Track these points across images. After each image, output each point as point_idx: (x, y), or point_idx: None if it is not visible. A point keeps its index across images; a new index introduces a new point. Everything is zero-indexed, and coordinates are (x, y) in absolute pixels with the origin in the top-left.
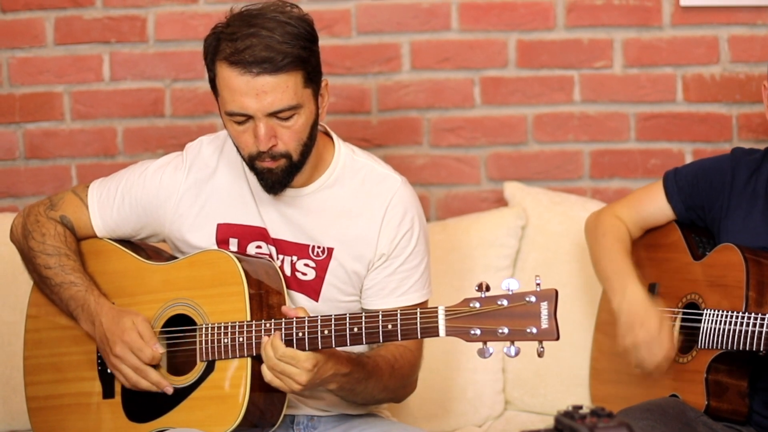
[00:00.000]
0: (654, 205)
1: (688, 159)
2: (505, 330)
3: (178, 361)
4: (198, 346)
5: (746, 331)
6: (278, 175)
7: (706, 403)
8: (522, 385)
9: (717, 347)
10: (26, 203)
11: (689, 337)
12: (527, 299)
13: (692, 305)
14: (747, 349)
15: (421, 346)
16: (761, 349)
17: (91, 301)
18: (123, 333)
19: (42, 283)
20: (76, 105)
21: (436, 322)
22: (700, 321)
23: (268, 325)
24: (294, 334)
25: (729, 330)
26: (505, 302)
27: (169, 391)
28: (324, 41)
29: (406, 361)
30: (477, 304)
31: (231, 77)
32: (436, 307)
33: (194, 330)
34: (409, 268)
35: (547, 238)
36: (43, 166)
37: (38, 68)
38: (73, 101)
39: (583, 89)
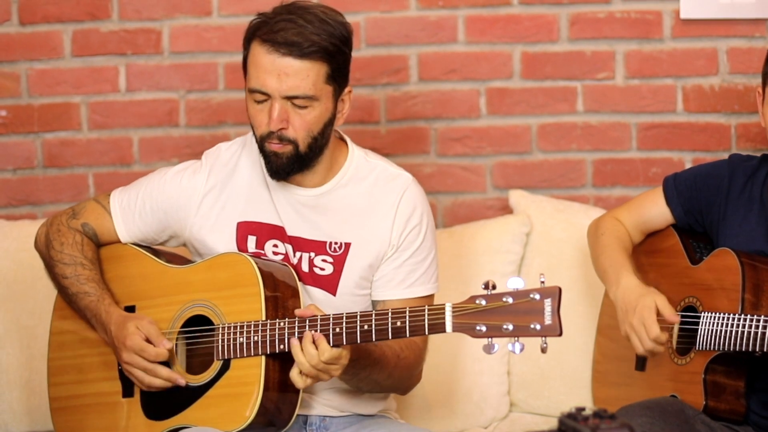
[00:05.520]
0: (654, 209)
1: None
2: (510, 326)
3: (196, 360)
4: (214, 345)
5: (743, 333)
6: (283, 161)
7: (704, 403)
8: (526, 387)
9: (714, 349)
10: (44, 211)
11: (687, 339)
12: (531, 296)
13: (690, 308)
14: (744, 350)
15: (426, 339)
16: (757, 350)
17: (102, 310)
18: (125, 338)
19: (61, 292)
20: (93, 115)
21: (443, 318)
22: (698, 323)
23: (282, 324)
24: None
25: (726, 332)
26: (510, 299)
27: (182, 383)
28: None
29: (411, 352)
30: (483, 302)
31: (259, 54)
32: (443, 304)
33: (211, 330)
34: (416, 261)
35: (550, 245)
36: (61, 174)
37: (56, 79)
38: (90, 111)
39: (586, 100)
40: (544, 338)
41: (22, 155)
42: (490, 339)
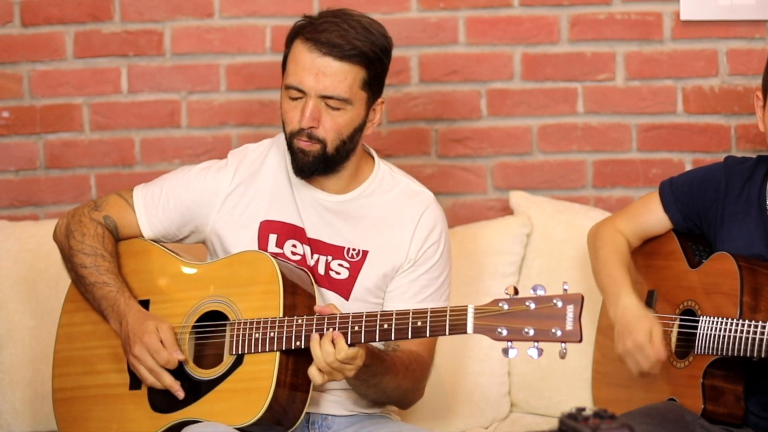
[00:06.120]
0: (652, 216)
1: (688, 168)
2: (531, 331)
3: (208, 354)
4: (229, 340)
5: (741, 338)
6: (309, 159)
7: (703, 406)
8: (527, 387)
9: (713, 353)
10: (46, 212)
11: (686, 342)
12: (554, 302)
13: (689, 312)
14: (742, 355)
15: (432, 355)
16: (755, 355)
17: (121, 302)
18: (144, 334)
19: (78, 281)
20: (94, 116)
21: (465, 319)
22: (696, 327)
23: (300, 321)
24: (324, 329)
25: (724, 336)
26: (532, 305)
27: (180, 396)
28: None
29: (418, 365)
30: (505, 305)
31: (300, 51)
32: (466, 305)
33: (224, 325)
34: (430, 277)
35: (551, 246)
36: (63, 175)
37: (58, 81)
38: (92, 113)
39: (587, 101)
40: (563, 344)
41: (24, 156)
42: (509, 343)
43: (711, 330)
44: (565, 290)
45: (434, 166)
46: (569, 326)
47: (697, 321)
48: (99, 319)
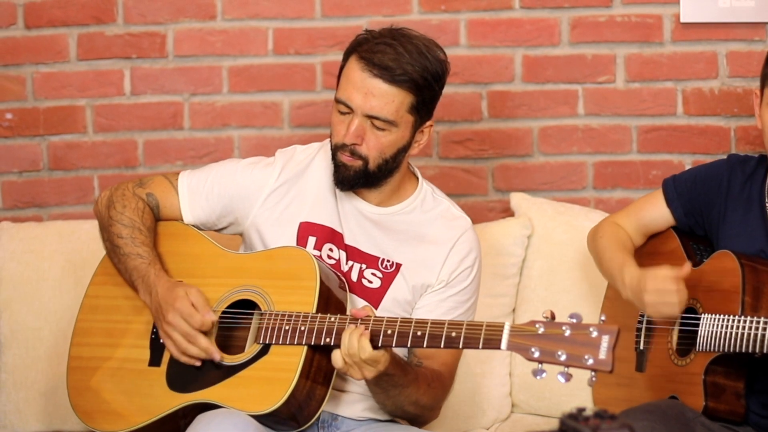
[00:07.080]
0: (654, 211)
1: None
2: (563, 355)
3: (234, 342)
4: (256, 329)
5: (742, 334)
6: (350, 173)
7: (704, 404)
8: (528, 388)
9: (714, 350)
10: (49, 213)
11: (688, 340)
12: (590, 330)
13: (690, 310)
14: (743, 351)
15: (453, 377)
16: (757, 352)
17: (152, 273)
18: (175, 300)
19: (112, 252)
20: (98, 118)
21: (500, 335)
22: (698, 325)
23: (333, 318)
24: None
25: (726, 333)
26: (568, 331)
27: (216, 357)
28: (337, 57)
29: (439, 384)
30: (541, 328)
31: (353, 69)
32: (503, 323)
33: (253, 314)
34: (458, 300)
35: (551, 247)
36: (66, 177)
37: (61, 82)
38: (95, 114)
39: (587, 103)
40: (593, 372)
41: (27, 158)
42: (540, 365)
43: (712, 327)
44: (602, 321)
45: (435, 167)
46: (602, 355)
47: (699, 319)
48: (127, 294)
